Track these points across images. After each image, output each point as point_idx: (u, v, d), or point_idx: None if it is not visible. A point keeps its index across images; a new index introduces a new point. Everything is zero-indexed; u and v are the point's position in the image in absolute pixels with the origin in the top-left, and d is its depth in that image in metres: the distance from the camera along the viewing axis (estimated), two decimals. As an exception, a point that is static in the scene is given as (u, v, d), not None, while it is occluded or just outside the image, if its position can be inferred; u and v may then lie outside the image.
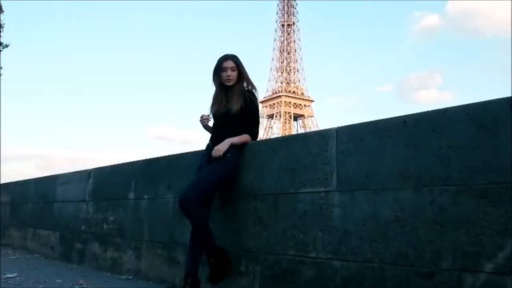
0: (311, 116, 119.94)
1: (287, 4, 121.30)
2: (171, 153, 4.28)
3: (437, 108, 2.37)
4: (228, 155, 3.21)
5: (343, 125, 2.76)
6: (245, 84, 3.42)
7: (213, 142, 3.34)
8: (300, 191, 2.90)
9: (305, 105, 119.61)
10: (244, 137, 3.31)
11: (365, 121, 2.68)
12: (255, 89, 3.42)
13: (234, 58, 3.41)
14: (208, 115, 3.48)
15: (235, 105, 3.28)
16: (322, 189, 2.77)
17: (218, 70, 3.39)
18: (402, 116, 2.47)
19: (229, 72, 3.35)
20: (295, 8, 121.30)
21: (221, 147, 3.21)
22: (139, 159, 4.78)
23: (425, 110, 2.40)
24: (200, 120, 3.50)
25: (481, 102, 2.20)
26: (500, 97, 2.13)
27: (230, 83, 3.36)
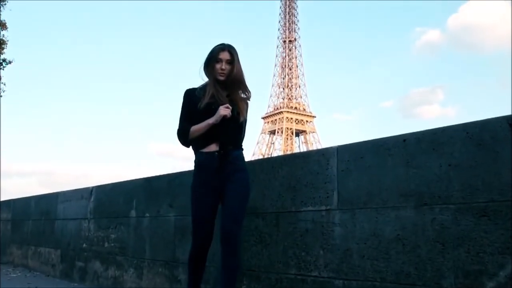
0: (313, 132, 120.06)
1: (288, 21, 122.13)
2: (172, 171, 4.29)
3: (439, 124, 2.39)
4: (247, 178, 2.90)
5: (344, 143, 2.78)
6: (241, 92, 3.02)
7: (222, 146, 2.87)
8: (302, 210, 2.90)
9: (307, 121, 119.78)
10: None
11: (366, 137, 2.71)
12: (250, 95, 3.05)
13: (231, 49, 2.93)
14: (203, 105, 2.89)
15: (243, 115, 2.94)
16: (323, 208, 2.78)
17: (212, 60, 2.92)
18: (402, 135, 2.49)
19: (224, 65, 2.90)
20: (296, 25, 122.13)
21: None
22: (141, 175, 4.80)
23: (427, 126, 2.42)
24: (227, 112, 2.84)
25: (480, 120, 2.22)
26: (499, 115, 2.15)
27: (222, 78, 2.91)
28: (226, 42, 2.98)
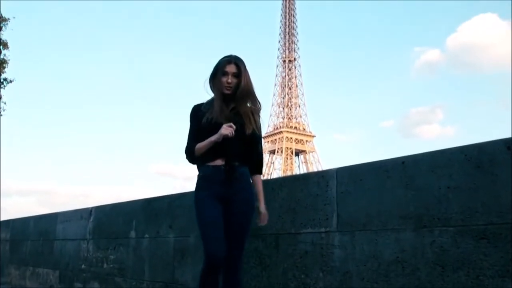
0: (313, 152, 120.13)
1: (288, 40, 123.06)
2: (172, 190, 4.29)
3: (438, 143, 2.45)
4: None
5: (344, 162, 2.82)
6: (249, 104, 2.90)
7: (228, 161, 2.79)
8: (301, 232, 2.90)
9: (306, 141, 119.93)
10: (261, 183, 2.94)
11: (366, 157, 2.78)
12: (261, 106, 2.94)
13: (238, 62, 2.82)
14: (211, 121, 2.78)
15: (249, 128, 2.82)
16: (323, 230, 2.78)
17: (218, 73, 2.81)
18: (400, 157, 2.50)
19: (230, 78, 2.79)
20: (296, 44, 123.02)
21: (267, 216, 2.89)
22: (140, 195, 4.82)
23: (427, 146, 2.48)
24: (228, 132, 2.70)
25: (478, 143, 2.24)
26: (499, 135, 2.17)
27: (228, 91, 2.80)
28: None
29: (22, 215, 8.07)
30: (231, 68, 2.79)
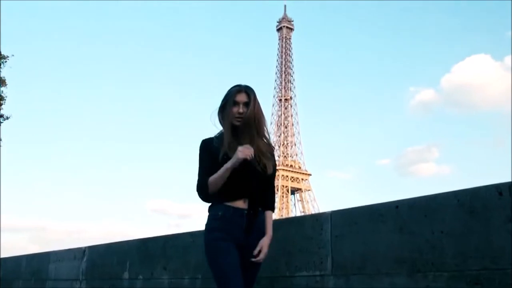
0: (309, 190, 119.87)
1: (284, 79, 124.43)
2: (166, 229, 4.28)
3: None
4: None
5: (340, 201, 2.85)
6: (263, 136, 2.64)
7: (252, 205, 2.53)
8: (296, 275, 2.89)
9: (302, 179, 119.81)
10: (272, 219, 2.68)
11: (362, 197, 2.93)
12: (272, 146, 2.72)
13: (248, 90, 2.58)
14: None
15: (269, 167, 2.59)
16: (318, 273, 2.77)
17: (229, 104, 2.57)
18: (394, 201, 2.53)
19: (242, 108, 2.54)
20: (292, 83, 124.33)
21: (267, 250, 2.55)
22: (135, 232, 4.82)
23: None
24: (247, 155, 2.42)
25: (471, 188, 2.26)
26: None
27: (239, 123, 2.54)
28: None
29: (14, 253, 7.97)
30: (242, 98, 2.56)
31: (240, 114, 2.53)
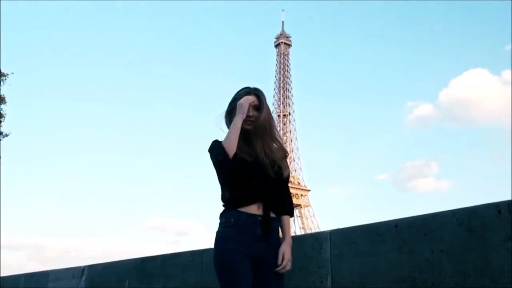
0: (308, 206, 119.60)
1: (283, 95, 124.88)
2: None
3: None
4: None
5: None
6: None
7: (266, 210, 2.33)
8: (296, 294, 2.88)
9: (301, 195, 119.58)
10: (290, 225, 2.50)
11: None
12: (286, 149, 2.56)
13: (258, 93, 2.47)
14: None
15: (286, 171, 2.45)
16: (317, 292, 2.76)
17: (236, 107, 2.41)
18: (393, 220, 2.53)
19: (251, 111, 2.41)
20: (290, 99, 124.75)
21: (290, 255, 2.33)
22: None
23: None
24: (246, 102, 2.38)
25: (469, 207, 2.27)
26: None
27: (249, 126, 2.40)
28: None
29: (13, 271, 7.92)
30: (251, 100, 2.43)
31: (249, 117, 2.40)
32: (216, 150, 2.33)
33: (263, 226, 2.28)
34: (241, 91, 2.48)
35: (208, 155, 2.41)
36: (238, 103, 2.37)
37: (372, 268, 2.54)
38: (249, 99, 2.39)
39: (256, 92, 2.46)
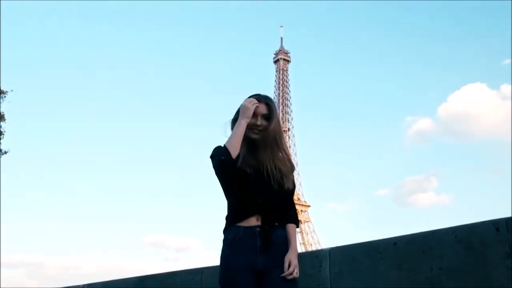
0: (308, 222, 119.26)
1: (282, 111, 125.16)
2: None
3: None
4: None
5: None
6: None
7: (265, 220, 2.25)
8: (295, 313, 2.86)
9: (301, 210, 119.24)
10: (296, 234, 2.40)
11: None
12: (292, 162, 2.45)
13: (268, 101, 2.38)
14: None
15: (290, 183, 2.36)
16: (317, 311, 2.75)
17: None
18: (392, 238, 2.53)
19: (260, 120, 2.34)
20: (290, 115, 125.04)
21: (296, 261, 2.25)
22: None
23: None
24: (250, 105, 2.31)
25: (468, 224, 2.28)
26: (488, 215, 2.21)
27: (257, 136, 2.33)
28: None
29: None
30: (261, 109, 2.34)
31: (257, 126, 2.32)
32: (218, 153, 2.28)
33: (263, 237, 2.22)
34: (251, 98, 2.38)
35: (209, 161, 2.33)
36: (242, 105, 2.31)
37: (371, 286, 2.53)
38: (254, 101, 2.31)
39: (266, 101, 2.37)
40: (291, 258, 2.23)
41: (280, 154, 2.37)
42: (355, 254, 2.66)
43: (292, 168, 2.42)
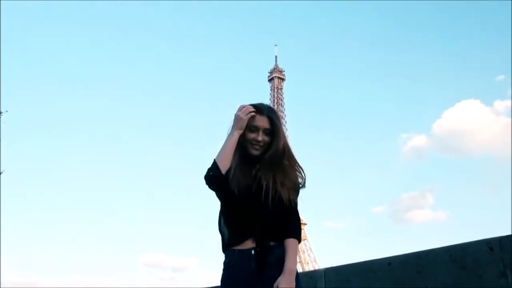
0: (304, 240, 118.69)
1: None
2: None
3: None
4: None
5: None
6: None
7: (260, 241, 2.09)
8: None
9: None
10: (295, 249, 2.12)
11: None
12: (304, 175, 2.23)
13: (271, 115, 2.17)
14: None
15: (286, 193, 2.12)
16: (313, 332, 2.74)
17: (246, 127, 2.16)
18: (387, 258, 2.54)
19: (261, 136, 2.14)
20: (284, 126, 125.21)
21: (285, 285, 1.99)
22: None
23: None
24: (245, 112, 2.14)
25: (462, 243, 2.29)
26: (481, 237, 2.23)
27: (257, 152, 2.15)
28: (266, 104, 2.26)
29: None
30: (263, 122, 2.15)
31: (258, 142, 2.14)
32: (209, 168, 2.13)
33: (257, 260, 2.06)
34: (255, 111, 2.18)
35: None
36: (236, 114, 2.13)
37: (367, 306, 2.53)
38: (248, 110, 2.13)
39: (269, 114, 2.16)
40: (279, 283, 2.01)
41: (292, 173, 2.19)
42: (350, 274, 2.67)
43: (303, 183, 2.22)
